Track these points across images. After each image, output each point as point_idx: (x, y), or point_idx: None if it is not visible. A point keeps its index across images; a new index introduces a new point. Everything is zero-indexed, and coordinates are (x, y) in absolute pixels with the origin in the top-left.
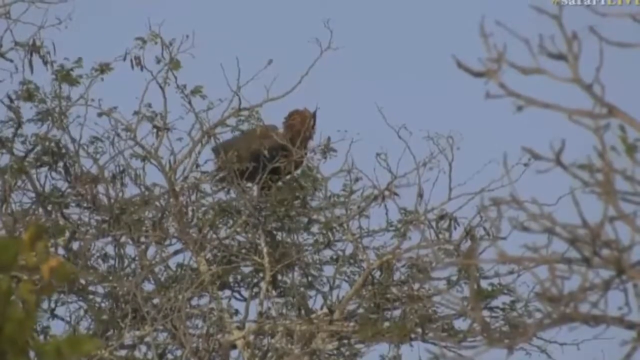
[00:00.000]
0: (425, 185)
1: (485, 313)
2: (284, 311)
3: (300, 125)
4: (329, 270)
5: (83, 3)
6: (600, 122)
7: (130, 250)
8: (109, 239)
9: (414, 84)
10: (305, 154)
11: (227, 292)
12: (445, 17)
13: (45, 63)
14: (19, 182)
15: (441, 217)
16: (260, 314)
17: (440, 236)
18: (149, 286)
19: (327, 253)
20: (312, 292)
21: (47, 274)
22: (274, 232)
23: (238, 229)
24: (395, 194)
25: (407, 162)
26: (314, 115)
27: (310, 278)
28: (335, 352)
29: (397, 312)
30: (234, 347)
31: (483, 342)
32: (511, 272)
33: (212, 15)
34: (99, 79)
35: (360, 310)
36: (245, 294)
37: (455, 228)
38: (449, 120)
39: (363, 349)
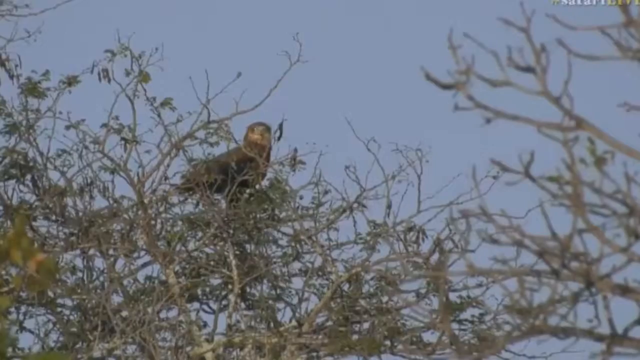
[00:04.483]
0: (394, 198)
1: (454, 326)
2: (253, 324)
3: (263, 138)
4: (297, 283)
5: (52, 16)
6: (569, 134)
7: (99, 262)
8: (78, 251)
9: (382, 96)
10: (267, 165)
11: (196, 305)
12: (414, 29)
13: (11, 77)
14: None
15: (409, 230)
16: (229, 326)
17: (409, 249)
18: (117, 299)
19: (296, 265)
20: (281, 305)
21: (33, 269)
22: (243, 245)
23: (207, 242)
24: (364, 206)
25: (376, 174)
26: (280, 127)
27: (278, 290)
28: None
29: (366, 325)
30: (203, 359)
31: (452, 354)
32: (480, 285)
33: (181, 27)
34: (67, 92)
35: (329, 323)
36: (214, 306)
37: (423, 240)
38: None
39: None
